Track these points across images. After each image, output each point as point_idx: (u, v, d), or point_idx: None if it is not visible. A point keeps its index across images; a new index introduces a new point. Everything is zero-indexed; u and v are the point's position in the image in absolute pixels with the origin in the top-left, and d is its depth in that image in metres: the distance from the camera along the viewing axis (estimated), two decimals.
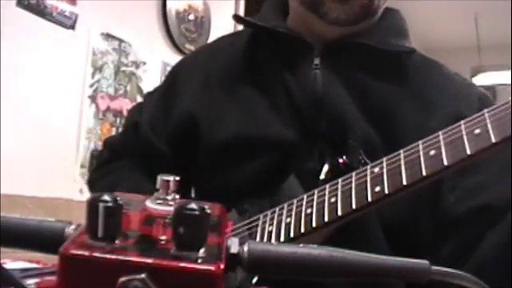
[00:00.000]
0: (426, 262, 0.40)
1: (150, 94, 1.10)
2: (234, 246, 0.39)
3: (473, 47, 5.37)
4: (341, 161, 0.79)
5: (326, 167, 0.80)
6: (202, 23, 3.28)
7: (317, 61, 0.89)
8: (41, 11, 2.33)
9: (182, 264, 0.33)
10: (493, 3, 4.43)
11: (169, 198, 0.43)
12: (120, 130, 2.67)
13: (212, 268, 0.33)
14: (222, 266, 0.33)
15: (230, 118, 0.91)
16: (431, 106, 0.74)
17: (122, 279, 0.32)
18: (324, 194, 0.73)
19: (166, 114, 0.99)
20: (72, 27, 2.47)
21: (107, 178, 1.02)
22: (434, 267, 0.40)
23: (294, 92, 0.89)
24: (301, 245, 0.40)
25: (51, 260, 0.38)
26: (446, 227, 0.80)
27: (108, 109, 2.66)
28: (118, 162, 1.04)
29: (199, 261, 0.33)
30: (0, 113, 2.13)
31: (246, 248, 0.39)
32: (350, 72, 0.89)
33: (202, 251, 0.34)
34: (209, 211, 0.35)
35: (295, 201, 0.77)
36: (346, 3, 0.85)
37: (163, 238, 0.36)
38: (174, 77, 1.05)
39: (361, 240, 0.78)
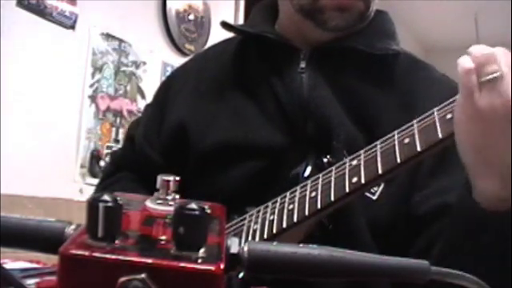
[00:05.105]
0: (425, 262, 0.41)
1: (148, 105, 1.12)
2: (234, 245, 0.39)
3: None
4: (325, 160, 0.81)
5: (309, 167, 0.81)
6: (202, 23, 3.28)
7: (303, 64, 0.90)
8: (41, 11, 2.32)
9: (182, 264, 0.33)
10: (493, 3, 4.43)
11: (169, 197, 0.43)
12: (120, 130, 2.70)
13: (212, 268, 0.33)
14: (222, 266, 0.33)
15: (218, 124, 0.92)
16: (414, 108, 0.76)
17: (122, 279, 0.32)
18: (306, 190, 0.76)
19: (159, 124, 1.00)
20: (72, 27, 2.47)
21: (107, 191, 1.03)
22: (434, 267, 0.40)
23: (281, 96, 0.90)
24: (301, 245, 0.40)
25: (51, 260, 0.38)
26: (414, 225, 0.81)
27: (108, 109, 2.66)
28: (117, 175, 1.05)
29: (199, 261, 0.33)
30: (0, 112, 2.13)
31: (245, 248, 0.39)
32: (336, 75, 0.89)
33: (202, 251, 0.34)
34: (209, 211, 0.35)
35: (279, 198, 0.79)
36: (346, 11, 0.86)
37: (163, 237, 0.36)
38: (166, 87, 1.06)
39: (349, 241, 0.79)
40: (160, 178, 0.44)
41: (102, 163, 2.57)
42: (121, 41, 2.73)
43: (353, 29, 0.89)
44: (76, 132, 2.50)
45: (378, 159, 0.70)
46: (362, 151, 0.73)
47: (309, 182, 0.77)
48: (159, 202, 0.43)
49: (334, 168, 0.75)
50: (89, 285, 0.33)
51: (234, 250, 0.38)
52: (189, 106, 0.97)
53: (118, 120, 2.71)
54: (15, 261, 1.25)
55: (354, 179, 0.71)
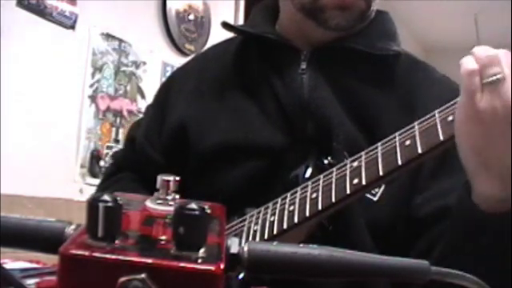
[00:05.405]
0: (425, 262, 0.40)
1: (149, 106, 1.12)
2: (234, 245, 0.38)
3: (473, 47, 5.36)
4: (326, 162, 0.81)
5: (310, 168, 0.81)
6: (202, 23, 3.27)
7: (304, 65, 0.90)
8: (41, 11, 2.32)
9: (182, 264, 0.33)
10: (493, 3, 4.43)
11: (169, 197, 0.43)
12: (120, 130, 2.70)
13: (212, 268, 0.33)
14: (222, 266, 0.33)
15: (219, 125, 0.93)
16: (415, 109, 0.76)
17: (122, 279, 0.32)
18: (306, 191, 0.76)
19: (160, 124, 1.00)
20: (72, 27, 2.47)
21: (108, 191, 1.03)
22: (434, 267, 0.40)
23: (281, 96, 0.90)
24: (301, 245, 0.40)
25: (51, 260, 0.38)
26: (415, 227, 0.82)
27: (108, 109, 2.66)
28: (118, 175, 1.05)
29: (199, 261, 0.33)
30: (0, 112, 2.13)
31: (246, 248, 0.39)
32: (337, 75, 0.90)
33: (202, 251, 0.34)
34: (209, 211, 0.35)
35: (279, 199, 0.79)
36: (347, 10, 0.86)
37: (163, 237, 0.36)
38: (167, 88, 1.06)
39: (349, 243, 0.79)
40: (160, 178, 0.44)
41: (102, 163, 2.57)
42: (121, 41, 2.73)
43: (354, 29, 0.89)
44: (76, 132, 2.50)
45: (379, 161, 0.70)
46: (362, 153, 0.73)
47: (309, 183, 0.77)
48: (159, 201, 0.43)
49: (334, 169, 0.75)
50: (89, 285, 0.33)
51: (234, 250, 0.38)
52: (189, 106, 0.97)
53: (118, 120, 2.71)
54: (15, 261, 1.25)
55: (355, 180, 0.71)
